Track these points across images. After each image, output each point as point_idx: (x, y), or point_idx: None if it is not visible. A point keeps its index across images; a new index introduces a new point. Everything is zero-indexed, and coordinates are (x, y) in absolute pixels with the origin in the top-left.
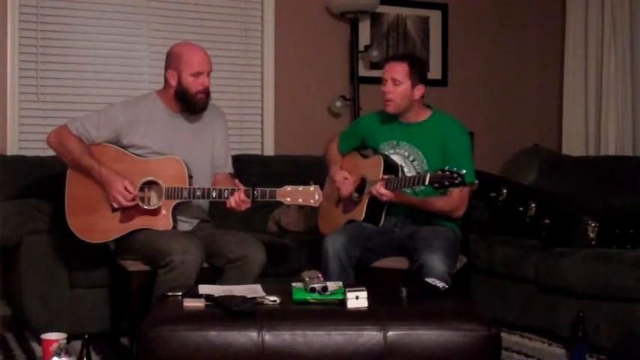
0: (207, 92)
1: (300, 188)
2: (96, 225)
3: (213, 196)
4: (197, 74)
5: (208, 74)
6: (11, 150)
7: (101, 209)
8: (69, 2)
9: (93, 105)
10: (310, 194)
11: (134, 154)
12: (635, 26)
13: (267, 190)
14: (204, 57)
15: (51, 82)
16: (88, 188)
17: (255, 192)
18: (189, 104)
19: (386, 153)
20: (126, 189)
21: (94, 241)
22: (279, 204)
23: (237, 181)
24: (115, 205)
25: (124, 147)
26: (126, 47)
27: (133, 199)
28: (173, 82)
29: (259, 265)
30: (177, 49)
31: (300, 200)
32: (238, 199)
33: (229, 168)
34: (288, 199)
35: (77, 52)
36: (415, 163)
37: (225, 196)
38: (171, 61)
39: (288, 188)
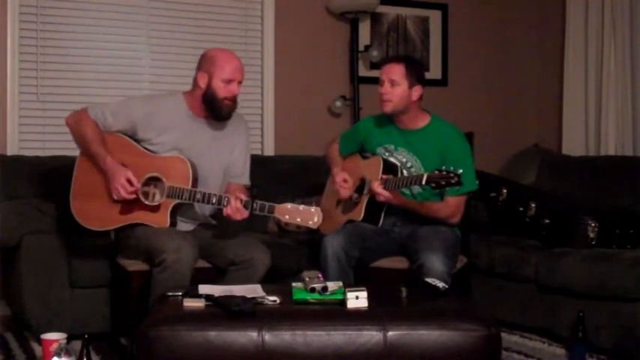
0: (234, 100)
1: (301, 208)
2: (95, 212)
3: (213, 201)
4: (228, 81)
5: (239, 83)
6: (11, 150)
7: (103, 197)
8: (69, 2)
9: None
10: (310, 215)
11: (146, 148)
12: (635, 26)
13: (267, 204)
14: (239, 65)
15: (51, 82)
16: (94, 175)
17: (254, 204)
18: (214, 109)
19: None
20: (128, 181)
21: (91, 227)
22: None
23: (242, 194)
24: (115, 197)
25: (138, 140)
26: (126, 47)
27: (134, 192)
28: (202, 85)
29: (264, 268)
30: (213, 53)
31: (299, 220)
32: (235, 207)
33: (246, 179)
34: (287, 217)
35: (77, 52)
36: (412, 170)
37: (225, 203)
38: (204, 63)
39: (289, 206)
